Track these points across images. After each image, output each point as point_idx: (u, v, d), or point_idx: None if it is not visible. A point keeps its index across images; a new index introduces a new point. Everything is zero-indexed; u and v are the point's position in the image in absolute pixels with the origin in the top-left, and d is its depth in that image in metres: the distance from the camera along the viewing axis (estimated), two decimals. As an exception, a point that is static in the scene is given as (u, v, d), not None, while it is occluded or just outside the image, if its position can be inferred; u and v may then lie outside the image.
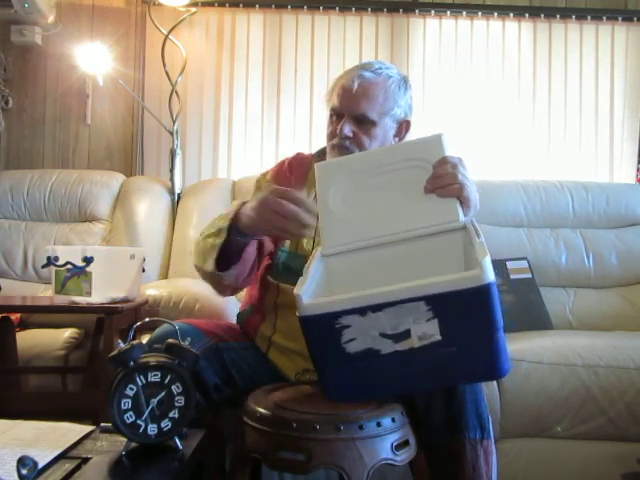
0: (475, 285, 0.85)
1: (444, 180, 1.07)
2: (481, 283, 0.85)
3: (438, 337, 0.89)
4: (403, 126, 1.39)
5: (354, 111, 1.31)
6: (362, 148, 1.31)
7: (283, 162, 1.48)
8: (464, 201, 1.08)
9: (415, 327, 0.89)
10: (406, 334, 0.89)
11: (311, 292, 0.96)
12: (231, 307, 1.87)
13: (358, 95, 1.31)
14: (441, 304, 0.87)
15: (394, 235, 1.08)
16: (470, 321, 0.88)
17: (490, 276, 0.85)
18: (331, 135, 1.36)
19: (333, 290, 1.06)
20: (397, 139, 1.39)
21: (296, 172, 1.42)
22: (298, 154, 1.49)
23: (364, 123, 1.32)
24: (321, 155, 1.42)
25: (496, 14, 2.77)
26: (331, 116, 1.37)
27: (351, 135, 1.32)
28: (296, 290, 0.93)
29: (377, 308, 0.88)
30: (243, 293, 1.46)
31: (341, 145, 1.32)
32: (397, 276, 0.92)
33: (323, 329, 0.91)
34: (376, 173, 1.12)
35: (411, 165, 1.10)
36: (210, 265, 1.18)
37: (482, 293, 0.85)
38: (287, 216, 1.03)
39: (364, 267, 1.06)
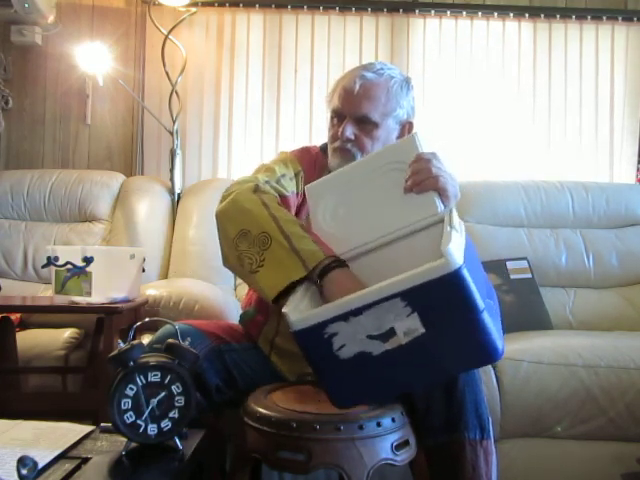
0: (443, 273, 0.86)
1: (419, 176, 1.08)
2: (448, 270, 0.86)
3: (422, 330, 0.90)
4: (406, 128, 1.36)
5: (356, 112, 1.29)
6: (364, 150, 1.30)
7: (307, 149, 1.43)
8: (441, 192, 1.08)
9: (398, 324, 0.90)
10: (391, 332, 0.91)
11: (303, 307, 0.99)
12: (231, 307, 1.87)
13: (360, 96, 1.29)
14: (416, 297, 0.88)
15: (381, 239, 1.10)
16: (449, 309, 0.89)
17: (457, 261, 0.86)
18: (333, 138, 1.34)
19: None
20: None
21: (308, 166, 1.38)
22: (304, 148, 1.44)
23: (366, 125, 1.30)
24: (325, 149, 1.40)
25: (496, 14, 2.77)
26: (332, 118, 1.35)
27: (353, 137, 1.30)
28: (284, 309, 0.95)
29: (357, 312, 0.90)
30: (243, 293, 1.45)
31: (343, 148, 1.31)
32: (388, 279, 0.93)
33: (314, 340, 0.93)
34: (360, 184, 1.14)
35: (390, 169, 1.12)
36: (271, 293, 1.04)
37: (452, 279, 0.86)
38: None
39: (357, 275, 1.07)
